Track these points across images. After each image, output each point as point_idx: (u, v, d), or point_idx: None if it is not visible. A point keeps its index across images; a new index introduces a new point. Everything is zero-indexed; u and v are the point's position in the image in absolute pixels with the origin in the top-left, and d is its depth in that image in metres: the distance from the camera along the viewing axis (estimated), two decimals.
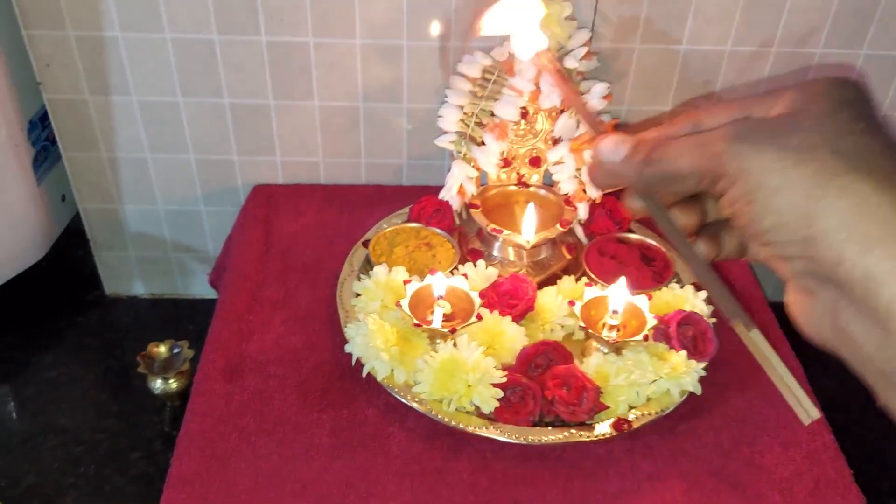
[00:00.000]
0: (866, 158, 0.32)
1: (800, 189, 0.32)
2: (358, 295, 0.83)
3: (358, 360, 0.75)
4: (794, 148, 0.33)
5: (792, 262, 0.34)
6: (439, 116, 0.89)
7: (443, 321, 0.77)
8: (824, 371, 0.95)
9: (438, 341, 0.76)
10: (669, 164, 0.37)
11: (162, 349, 1.01)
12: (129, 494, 0.92)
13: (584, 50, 0.86)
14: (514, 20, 0.50)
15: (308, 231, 0.99)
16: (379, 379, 0.74)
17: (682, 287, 0.84)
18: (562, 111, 0.87)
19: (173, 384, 0.99)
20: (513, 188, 0.94)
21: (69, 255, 1.21)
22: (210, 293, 1.11)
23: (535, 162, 0.92)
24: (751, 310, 0.90)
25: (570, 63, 0.85)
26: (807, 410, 0.40)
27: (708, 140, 0.36)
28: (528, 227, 0.86)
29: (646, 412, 0.73)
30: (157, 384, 0.98)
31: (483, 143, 0.88)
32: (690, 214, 0.41)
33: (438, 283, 0.79)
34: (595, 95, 0.86)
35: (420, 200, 0.94)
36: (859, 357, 0.33)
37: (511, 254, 0.89)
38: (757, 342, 0.40)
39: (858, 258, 0.31)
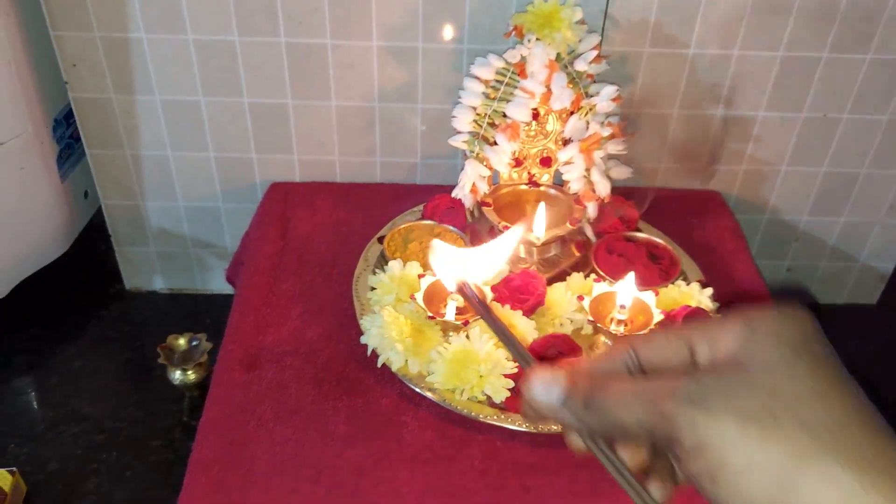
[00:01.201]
0: (838, 432, 0.28)
1: (770, 472, 0.28)
2: (373, 289, 0.85)
3: (373, 351, 0.78)
4: (755, 418, 0.29)
5: None
6: (453, 117, 0.91)
7: (455, 314, 0.79)
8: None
9: (451, 334, 0.78)
10: (612, 415, 0.33)
11: (181, 341, 1.03)
12: (149, 480, 0.95)
13: (594, 53, 0.88)
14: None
15: (324, 227, 1.02)
16: (394, 369, 0.76)
17: (688, 284, 0.86)
18: (572, 113, 0.90)
19: (192, 375, 1.02)
20: (524, 187, 0.96)
21: (91, 250, 1.24)
22: (227, 288, 1.14)
23: (546, 162, 0.95)
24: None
25: (581, 66, 0.88)
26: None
27: (655, 395, 0.31)
28: (539, 225, 0.89)
29: None
30: (177, 375, 1.01)
31: (495, 143, 0.91)
32: (638, 453, 0.36)
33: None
34: (604, 98, 0.89)
35: (433, 198, 0.96)
36: None
37: (522, 251, 0.91)
38: None
39: None
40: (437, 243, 0.41)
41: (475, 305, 0.39)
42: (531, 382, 0.35)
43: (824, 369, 0.30)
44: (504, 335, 0.38)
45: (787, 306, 0.32)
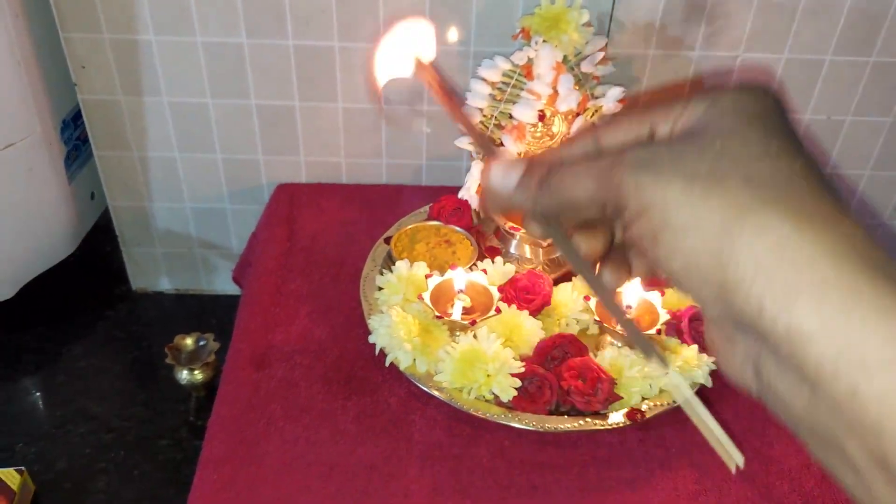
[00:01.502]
0: (783, 188, 0.28)
1: (710, 227, 0.28)
2: (381, 289, 0.86)
3: (381, 351, 0.79)
4: (701, 177, 0.28)
5: (707, 307, 0.30)
6: None
7: (463, 314, 0.80)
8: None
9: (458, 333, 0.79)
10: (565, 193, 0.33)
11: (188, 341, 1.04)
12: (157, 479, 0.95)
13: (601, 55, 0.88)
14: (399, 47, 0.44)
15: (330, 228, 1.03)
16: (402, 368, 0.77)
17: None
18: (578, 114, 0.90)
19: (199, 375, 1.02)
20: None
21: (98, 251, 1.24)
22: (232, 289, 1.15)
23: None
24: None
25: (587, 68, 0.88)
26: (732, 456, 0.35)
27: (606, 166, 0.31)
28: None
29: (658, 403, 0.76)
30: (184, 375, 1.02)
31: (501, 145, 0.91)
32: (593, 240, 0.36)
33: (458, 277, 0.82)
34: (610, 99, 0.89)
35: (440, 199, 0.97)
36: (786, 414, 0.29)
37: (528, 251, 0.92)
38: (677, 384, 0.37)
39: (781, 310, 0.26)
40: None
41: (437, 87, 0.40)
42: (490, 169, 0.35)
43: (779, 138, 0.29)
44: (466, 122, 0.40)
45: (752, 83, 0.32)
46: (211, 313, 1.23)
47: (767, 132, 0.29)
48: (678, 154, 0.30)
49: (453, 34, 0.98)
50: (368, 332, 0.81)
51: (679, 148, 0.30)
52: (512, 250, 0.93)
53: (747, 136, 0.29)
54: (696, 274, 0.28)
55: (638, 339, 0.37)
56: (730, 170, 0.28)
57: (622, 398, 0.75)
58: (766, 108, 0.30)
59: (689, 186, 0.28)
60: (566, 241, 0.35)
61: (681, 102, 0.32)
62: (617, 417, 0.74)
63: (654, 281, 0.87)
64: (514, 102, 0.90)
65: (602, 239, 0.36)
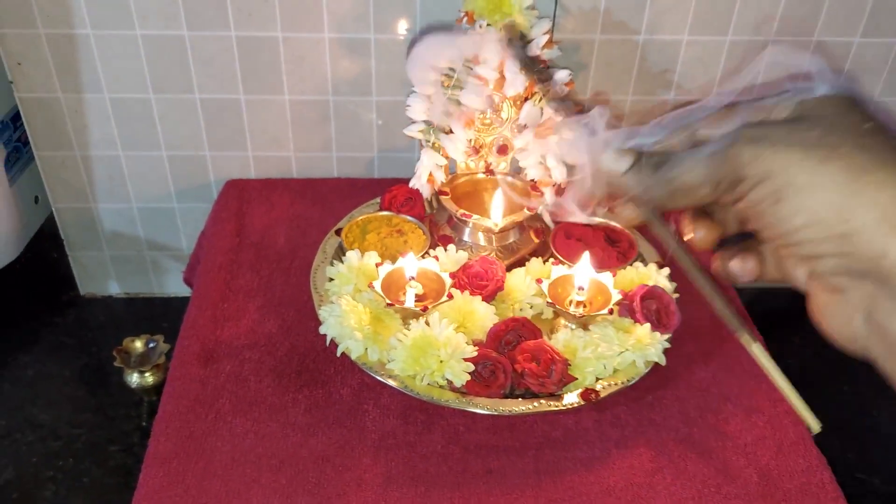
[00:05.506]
0: (890, 154, 0.32)
1: (832, 186, 0.32)
2: (331, 279, 0.84)
3: (332, 341, 0.77)
4: (816, 146, 0.33)
5: (822, 261, 0.34)
6: (407, 106, 0.91)
7: (415, 301, 0.79)
8: (790, 352, 0.98)
9: (410, 321, 0.78)
10: (680, 176, 0.36)
11: (138, 343, 1.02)
12: (108, 486, 0.92)
13: (546, 38, 0.88)
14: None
15: (281, 223, 1.01)
16: (353, 358, 0.75)
17: (645, 265, 0.87)
18: (526, 99, 0.90)
19: (149, 378, 1.00)
20: (481, 176, 0.96)
21: (43, 256, 1.21)
22: (184, 291, 1.12)
23: (503, 150, 0.95)
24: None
25: (533, 51, 0.88)
26: (809, 422, 0.41)
27: (720, 148, 0.35)
28: (497, 211, 0.89)
29: (613, 382, 0.75)
30: (134, 378, 0.99)
31: (451, 132, 0.91)
32: (713, 229, 0.41)
33: (410, 264, 0.81)
34: (557, 82, 0.89)
35: (391, 189, 0.96)
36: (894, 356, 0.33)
37: (481, 238, 0.91)
38: (758, 356, 0.41)
39: None
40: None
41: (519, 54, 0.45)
42: (603, 154, 0.39)
43: (874, 121, 0.34)
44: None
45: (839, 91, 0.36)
46: (163, 317, 1.20)
47: (863, 117, 0.34)
48: (790, 130, 0.34)
49: (399, 21, 0.97)
50: (320, 324, 0.79)
51: (788, 126, 0.35)
52: (465, 238, 0.92)
53: (848, 117, 0.34)
54: (817, 228, 0.33)
55: (730, 317, 0.41)
56: (841, 141, 0.33)
57: (576, 379, 0.74)
58: (854, 101, 0.35)
59: (806, 153, 0.33)
60: (665, 226, 0.40)
61: (768, 103, 0.37)
62: (571, 398, 0.73)
63: None
64: (461, 88, 0.89)
65: (714, 229, 0.40)
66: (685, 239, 0.40)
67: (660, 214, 0.40)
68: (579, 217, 0.44)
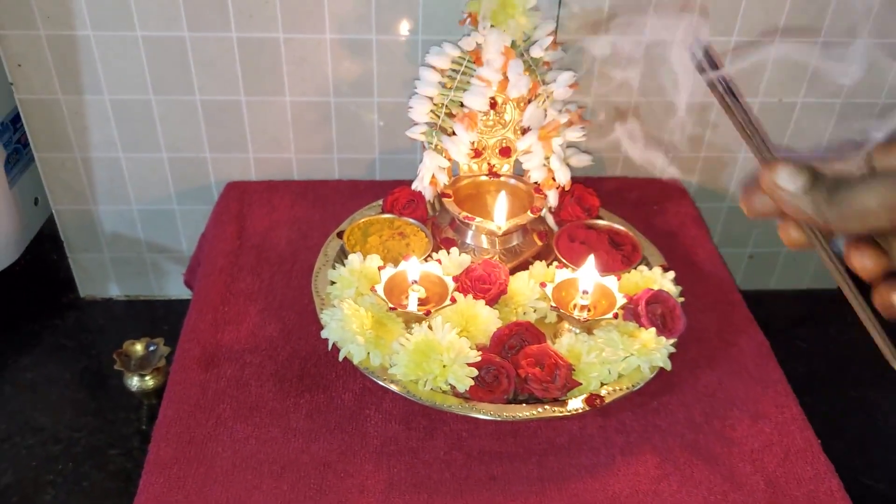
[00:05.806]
0: None
1: None
2: (333, 283, 0.84)
3: (334, 346, 0.76)
4: None
5: None
6: (409, 108, 0.90)
7: (417, 305, 0.78)
8: (795, 359, 0.98)
9: (413, 325, 0.77)
10: (856, 201, 0.35)
11: (138, 347, 1.01)
12: (108, 490, 0.92)
13: (550, 40, 0.87)
14: None
15: (282, 225, 1.00)
16: (355, 362, 0.75)
17: (650, 269, 0.86)
18: (529, 101, 0.89)
19: (150, 381, 0.99)
20: (484, 178, 0.95)
21: (43, 259, 1.20)
22: (185, 293, 1.11)
23: (505, 152, 0.94)
24: (724, 297, 0.92)
25: (536, 53, 0.87)
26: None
27: None
28: (500, 214, 0.88)
29: (617, 388, 0.74)
30: (134, 381, 0.99)
31: (454, 134, 0.90)
32: (881, 257, 0.38)
33: (413, 268, 0.80)
34: (561, 84, 0.88)
35: (393, 192, 0.95)
36: None
37: (484, 241, 0.90)
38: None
39: None
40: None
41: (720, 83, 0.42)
42: (778, 170, 0.37)
43: None
44: (748, 122, 0.40)
45: None
46: (163, 319, 1.19)
47: None
48: None
49: (402, 22, 0.97)
50: (321, 328, 0.79)
51: None
52: (468, 241, 0.91)
53: None
54: None
55: (886, 345, 0.39)
56: None
57: (581, 384, 0.74)
58: None
59: None
60: (830, 250, 0.38)
61: None
62: (576, 404, 0.73)
63: None
64: (464, 90, 0.88)
65: (881, 258, 0.38)
66: (850, 267, 0.39)
67: (822, 236, 0.38)
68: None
